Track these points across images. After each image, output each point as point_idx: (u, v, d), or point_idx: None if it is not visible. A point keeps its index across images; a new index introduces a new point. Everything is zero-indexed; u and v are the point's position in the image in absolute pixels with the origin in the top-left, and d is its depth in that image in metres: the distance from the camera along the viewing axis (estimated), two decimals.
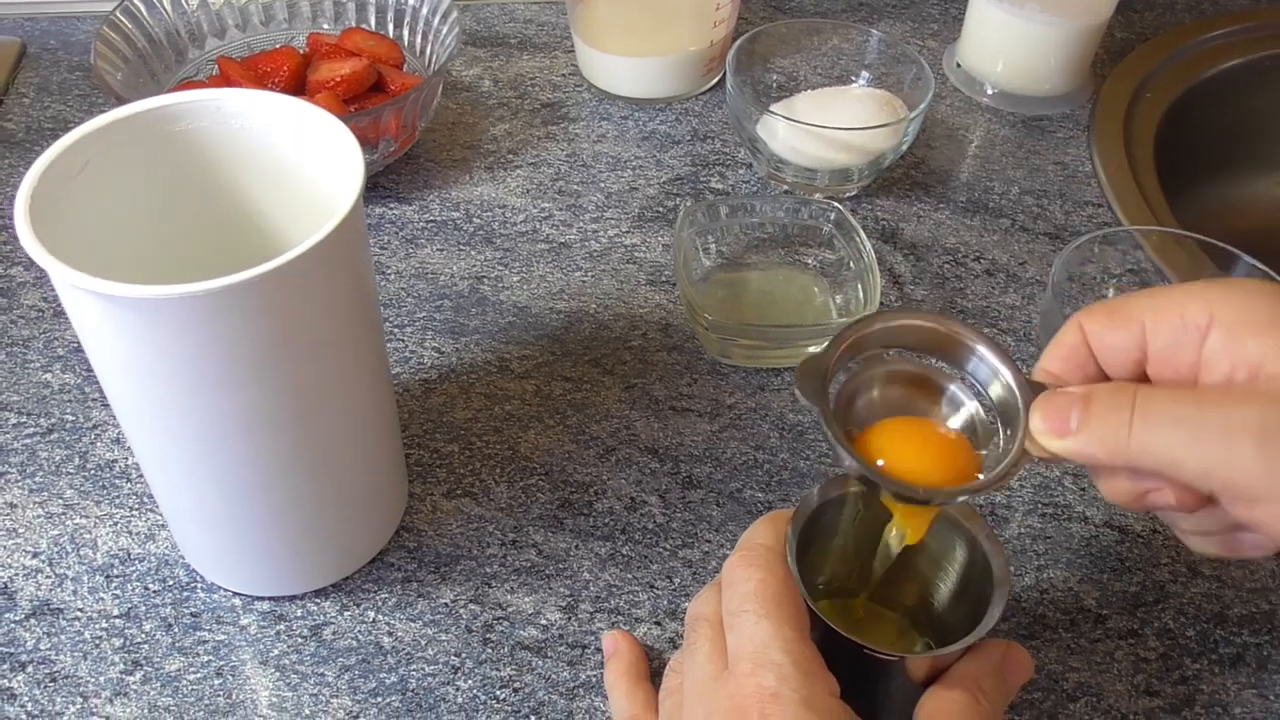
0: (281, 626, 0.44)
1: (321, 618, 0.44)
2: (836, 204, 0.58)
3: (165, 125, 0.39)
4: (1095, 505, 0.50)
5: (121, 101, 0.56)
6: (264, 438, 0.38)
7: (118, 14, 0.61)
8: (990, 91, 0.73)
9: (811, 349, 0.54)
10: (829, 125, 0.60)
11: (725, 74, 0.64)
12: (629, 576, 0.46)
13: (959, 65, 0.74)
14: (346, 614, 0.45)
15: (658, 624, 0.45)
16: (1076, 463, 0.33)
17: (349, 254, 0.37)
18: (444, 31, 0.62)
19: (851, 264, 0.57)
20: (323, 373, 0.38)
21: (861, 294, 0.55)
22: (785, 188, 0.65)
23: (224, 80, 0.61)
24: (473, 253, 0.60)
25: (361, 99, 0.61)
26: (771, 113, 0.61)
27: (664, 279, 0.59)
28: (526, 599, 0.45)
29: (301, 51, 0.64)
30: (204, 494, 0.41)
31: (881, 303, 0.56)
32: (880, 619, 0.44)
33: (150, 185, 0.40)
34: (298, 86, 0.61)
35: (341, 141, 0.37)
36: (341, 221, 0.34)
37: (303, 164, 0.40)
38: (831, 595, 0.44)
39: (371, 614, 0.45)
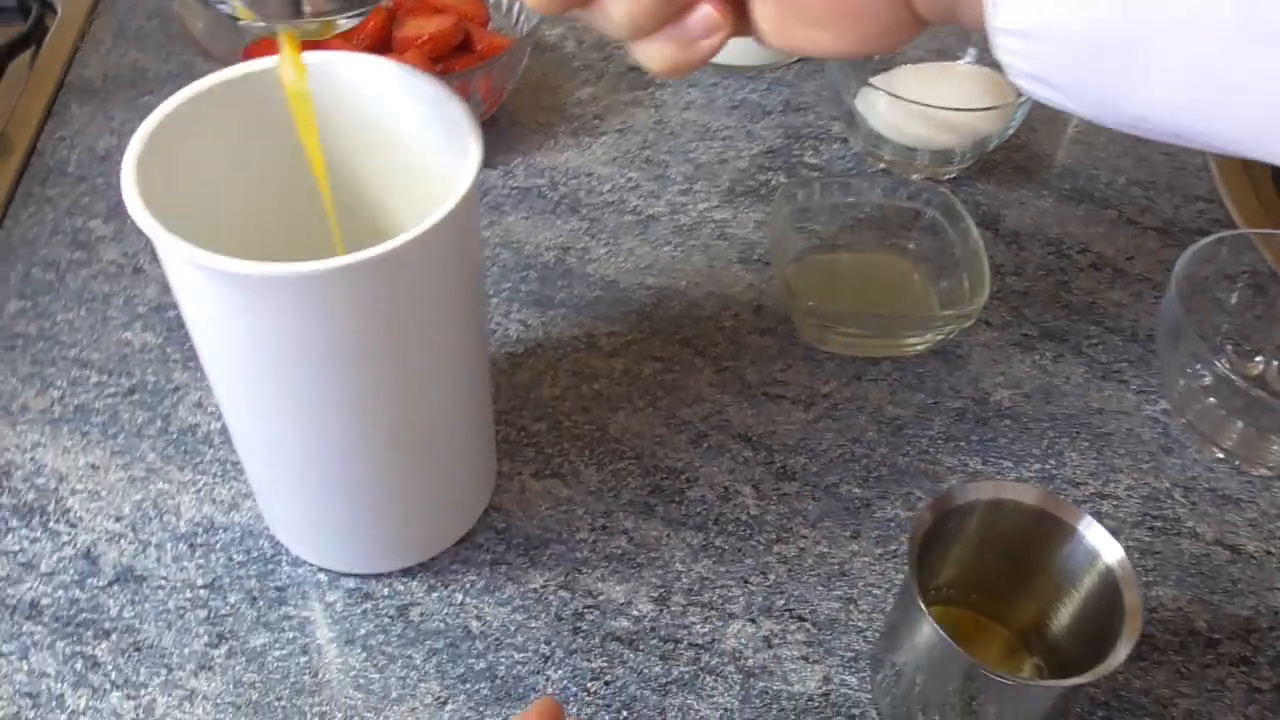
0: (368, 605, 0.43)
1: (408, 598, 0.43)
2: (942, 188, 0.56)
3: (268, 89, 0.37)
4: (1207, 521, 0.48)
5: (204, 52, 0.55)
6: (367, 417, 0.37)
7: None
8: None
9: (912, 340, 0.52)
10: (935, 104, 0.57)
11: None
12: (722, 570, 0.45)
13: None
14: (434, 595, 0.44)
15: (752, 621, 0.43)
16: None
17: (464, 235, 0.35)
18: None
19: (955, 251, 0.55)
20: (430, 352, 0.36)
21: (967, 284, 0.53)
22: (882, 166, 0.62)
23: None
24: (558, 222, 0.58)
25: (448, 58, 0.59)
26: (872, 85, 0.59)
27: (756, 258, 0.57)
28: (618, 588, 0.44)
29: (387, 6, 0.62)
30: (299, 469, 0.39)
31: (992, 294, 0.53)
32: (989, 634, 0.42)
33: (249, 150, 0.39)
34: (383, 42, 0.59)
35: (457, 116, 0.35)
36: (461, 201, 0.33)
37: (412, 135, 0.38)
38: (943, 603, 0.42)
39: (459, 596, 0.44)
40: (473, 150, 0.34)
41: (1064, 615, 0.39)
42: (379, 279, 0.32)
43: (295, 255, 0.40)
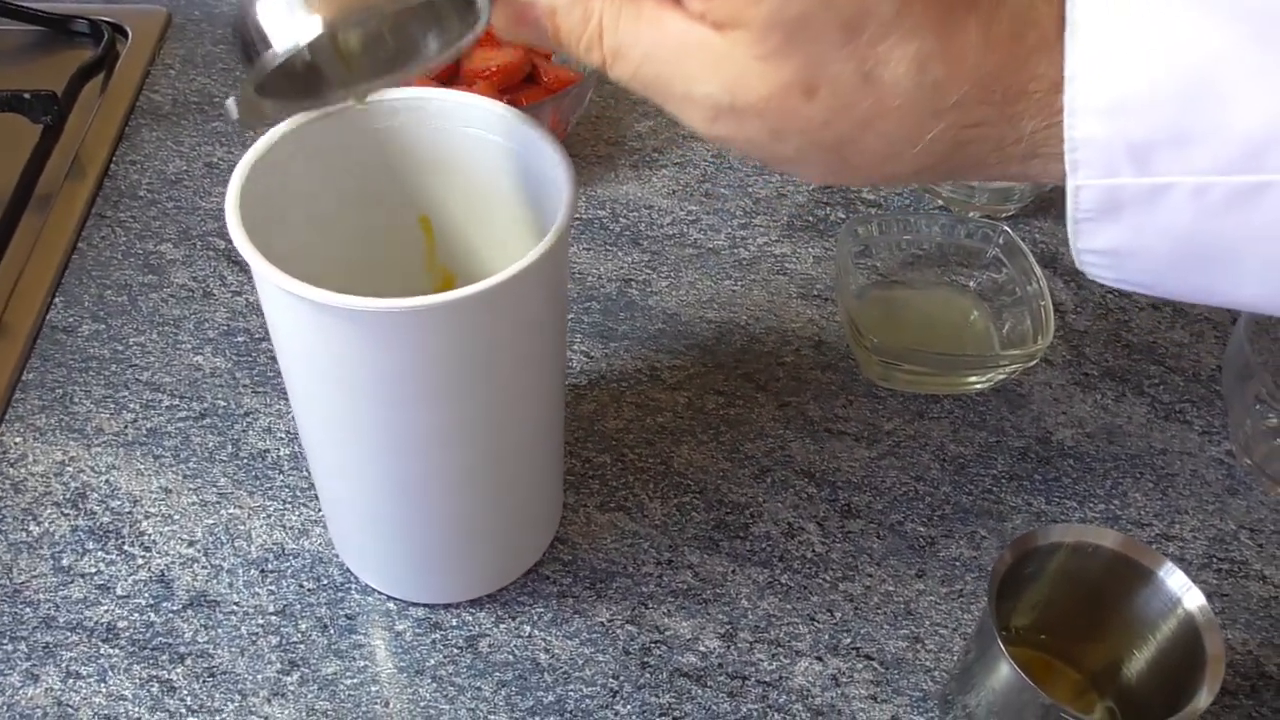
0: (437, 635, 0.43)
1: (477, 629, 0.44)
2: (1005, 226, 0.56)
3: (365, 122, 0.38)
4: (1275, 564, 0.47)
5: None
6: (448, 450, 0.37)
7: None
8: None
9: (975, 379, 0.52)
10: None
11: None
12: (788, 607, 0.45)
13: None
14: (502, 626, 0.44)
15: (819, 659, 0.43)
16: None
17: (557, 271, 0.35)
18: None
19: (1017, 289, 0.55)
20: (516, 386, 0.37)
21: (1029, 323, 0.53)
22: (940, 202, 0.62)
23: None
24: (620, 254, 0.59)
25: (515, 90, 0.60)
26: None
27: (816, 293, 0.57)
28: (684, 623, 0.44)
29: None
30: (375, 499, 0.40)
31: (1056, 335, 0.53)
32: (1059, 675, 0.42)
33: (339, 183, 0.39)
34: (452, 72, 0.60)
35: (548, 155, 0.36)
36: (557, 237, 0.33)
37: (502, 172, 0.39)
38: (1014, 644, 0.42)
39: (527, 628, 0.44)
40: (566, 187, 0.34)
41: (1139, 659, 0.39)
42: (477, 315, 0.32)
43: (384, 285, 0.41)
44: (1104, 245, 0.26)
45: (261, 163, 0.35)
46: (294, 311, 0.33)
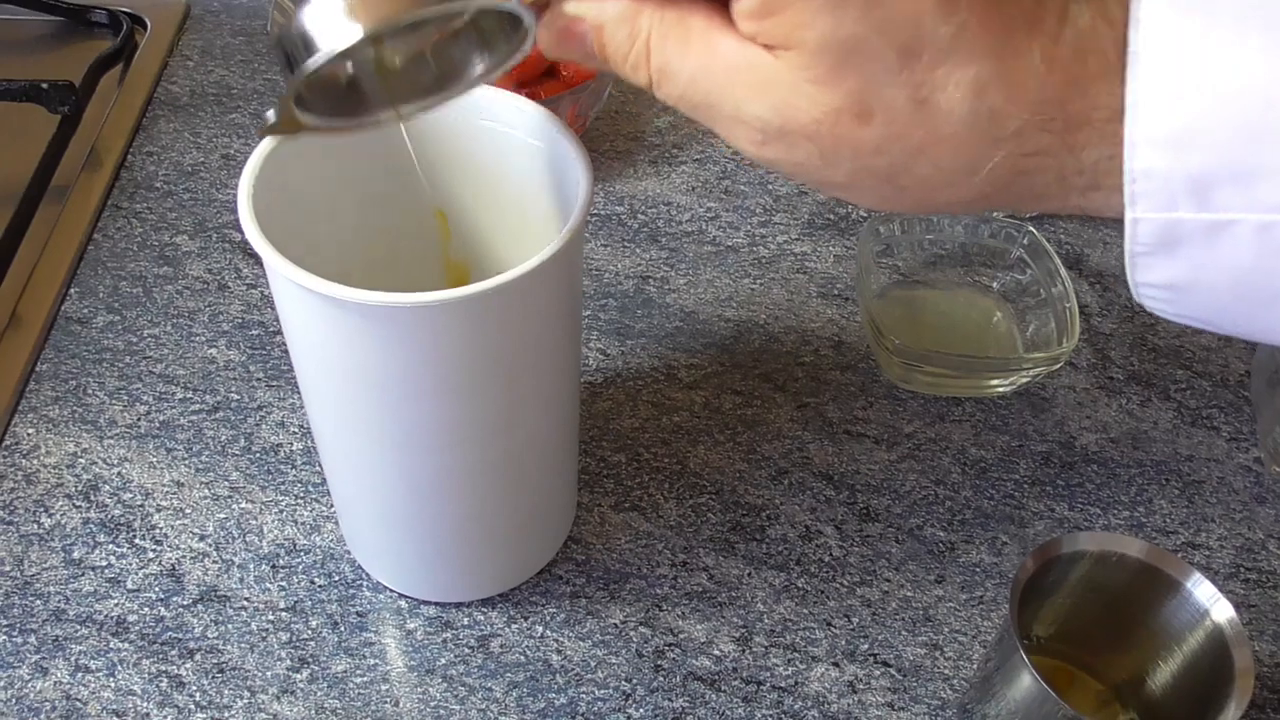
0: (448, 635, 0.43)
1: (488, 628, 0.43)
2: (1029, 227, 0.55)
3: None
4: None
5: None
6: (461, 448, 0.37)
7: None
8: None
9: (997, 382, 0.52)
10: None
11: None
12: (805, 611, 0.44)
13: None
14: (514, 626, 0.43)
15: (835, 665, 0.43)
16: None
17: (573, 267, 0.35)
18: None
19: (1041, 291, 0.54)
20: (531, 383, 0.36)
21: (1054, 326, 0.52)
22: None
23: None
24: (638, 250, 0.58)
25: (533, 84, 0.59)
26: None
27: (836, 292, 0.56)
28: (698, 626, 0.44)
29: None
30: (388, 496, 0.39)
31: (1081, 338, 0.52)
32: (1081, 686, 0.41)
33: (354, 175, 0.39)
34: None
35: (566, 150, 0.35)
36: (574, 233, 0.33)
37: (519, 167, 0.38)
38: (1036, 653, 0.41)
39: (539, 629, 0.43)
40: (584, 183, 0.34)
41: (1165, 671, 0.38)
42: (493, 311, 0.32)
43: (399, 277, 0.41)
44: (1162, 280, 0.25)
45: (275, 155, 0.35)
46: (306, 305, 0.33)
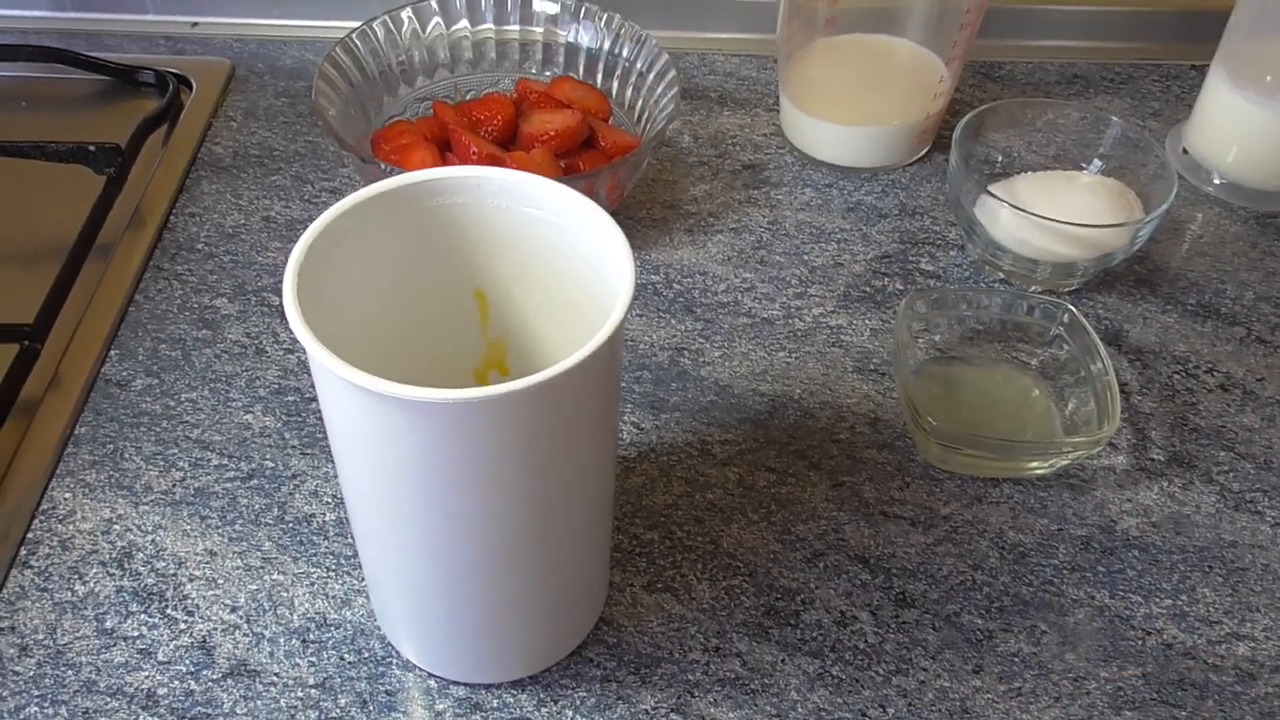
0: (477, 717, 0.42)
1: (518, 711, 0.43)
2: (1068, 303, 0.55)
3: (424, 199, 0.38)
4: None
5: (334, 135, 0.56)
6: (495, 534, 0.37)
7: (338, 50, 0.60)
8: (1217, 181, 0.68)
9: (1035, 464, 0.51)
10: (1062, 219, 0.56)
11: (950, 149, 0.61)
12: (839, 701, 0.43)
13: (1185, 151, 0.69)
14: (543, 710, 0.43)
15: None
16: None
17: (610, 363, 0.35)
18: (660, 91, 0.60)
19: (1080, 369, 0.53)
20: (569, 473, 0.36)
21: (1093, 404, 0.51)
22: (1001, 275, 0.61)
23: (437, 124, 0.60)
24: (673, 321, 0.58)
25: (572, 154, 0.59)
26: (990, 194, 0.58)
27: (872, 367, 0.56)
28: (731, 715, 0.43)
29: (511, 98, 0.63)
30: (419, 578, 0.39)
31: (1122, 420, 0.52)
32: None
33: (395, 256, 0.39)
34: (510, 136, 0.60)
35: (609, 239, 0.36)
36: (616, 327, 0.33)
37: (559, 250, 0.38)
38: None
39: (569, 713, 0.43)
40: (625, 274, 0.34)
41: None
42: (534, 407, 0.32)
43: (437, 354, 0.41)
44: None
45: (319, 242, 0.35)
46: (346, 395, 0.33)
